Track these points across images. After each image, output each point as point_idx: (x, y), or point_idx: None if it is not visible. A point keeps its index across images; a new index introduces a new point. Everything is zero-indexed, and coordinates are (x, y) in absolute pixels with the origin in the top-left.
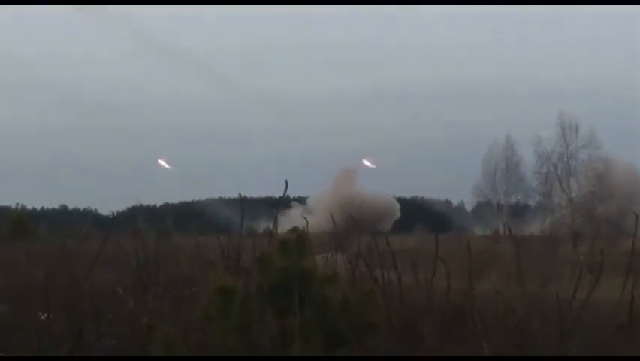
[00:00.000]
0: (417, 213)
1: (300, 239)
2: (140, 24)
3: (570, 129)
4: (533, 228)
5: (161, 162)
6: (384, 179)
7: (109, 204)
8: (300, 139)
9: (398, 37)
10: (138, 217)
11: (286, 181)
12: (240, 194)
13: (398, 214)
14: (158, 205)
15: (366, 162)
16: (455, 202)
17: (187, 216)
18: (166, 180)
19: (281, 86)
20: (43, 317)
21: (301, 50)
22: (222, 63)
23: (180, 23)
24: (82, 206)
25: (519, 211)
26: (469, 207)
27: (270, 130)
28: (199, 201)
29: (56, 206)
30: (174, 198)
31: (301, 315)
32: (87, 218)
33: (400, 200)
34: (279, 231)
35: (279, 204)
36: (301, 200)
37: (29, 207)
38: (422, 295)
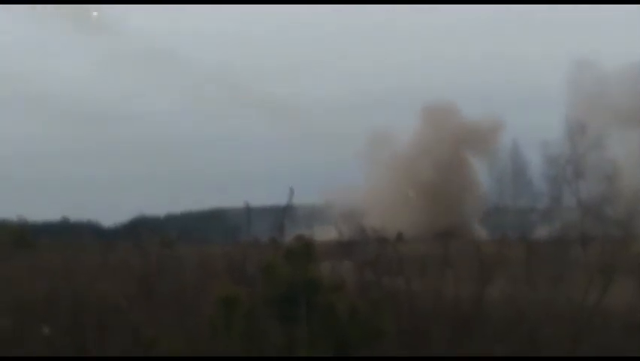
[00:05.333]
0: None
1: (305, 247)
2: (136, 32)
3: (577, 132)
4: (542, 231)
5: None
6: None
7: (111, 216)
8: (305, 146)
9: (400, 40)
10: (141, 228)
11: (291, 188)
12: (246, 203)
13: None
14: (161, 216)
15: None
16: None
17: (191, 227)
18: (169, 190)
19: (284, 92)
20: (46, 331)
21: (303, 56)
22: (222, 71)
23: (177, 31)
24: (83, 218)
25: (527, 215)
26: None
27: (274, 137)
28: (203, 211)
29: (57, 218)
30: (177, 209)
31: (308, 324)
32: (88, 230)
33: None
34: None
35: (285, 212)
36: (305, 207)
37: (30, 219)
38: (431, 302)
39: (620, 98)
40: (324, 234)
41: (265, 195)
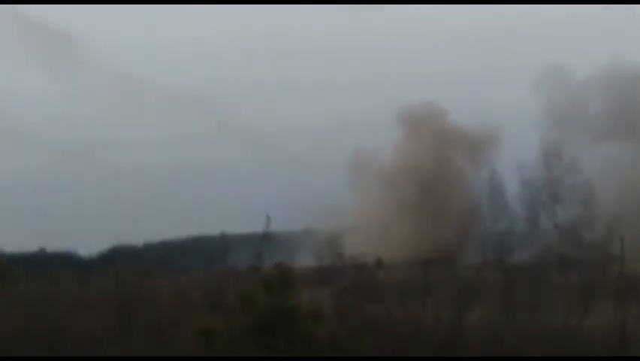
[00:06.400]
0: None
1: (284, 275)
2: (106, 60)
3: (553, 154)
4: (520, 255)
5: None
6: None
7: (89, 245)
8: (286, 172)
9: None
10: (119, 257)
11: (268, 216)
12: (222, 231)
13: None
14: (139, 245)
15: None
16: None
17: (170, 255)
18: (147, 218)
19: (262, 118)
20: None
21: (279, 80)
22: (198, 98)
23: (150, 58)
24: (61, 248)
25: (505, 238)
26: None
27: (250, 164)
28: (182, 240)
29: (35, 249)
30: (156, 238)
31: (288, 353)
32: (66, 260)
33: None
34: None
35: (264, 240)
36: (287, 235)
37: (7, 250)
38: (410, 329)
39: (593, 110)
40: (305, 261)
41: (246, 223)
